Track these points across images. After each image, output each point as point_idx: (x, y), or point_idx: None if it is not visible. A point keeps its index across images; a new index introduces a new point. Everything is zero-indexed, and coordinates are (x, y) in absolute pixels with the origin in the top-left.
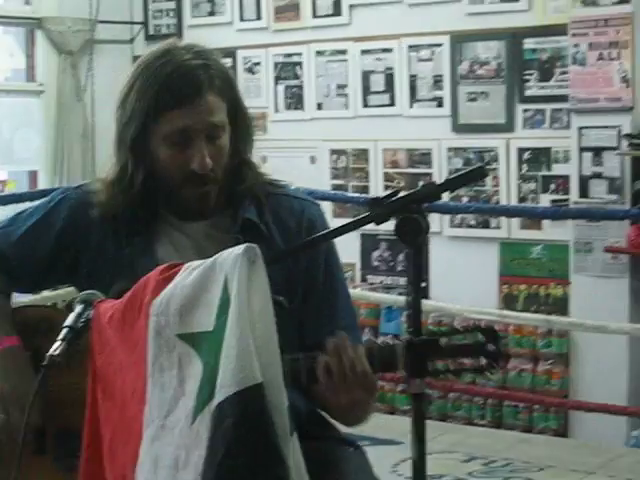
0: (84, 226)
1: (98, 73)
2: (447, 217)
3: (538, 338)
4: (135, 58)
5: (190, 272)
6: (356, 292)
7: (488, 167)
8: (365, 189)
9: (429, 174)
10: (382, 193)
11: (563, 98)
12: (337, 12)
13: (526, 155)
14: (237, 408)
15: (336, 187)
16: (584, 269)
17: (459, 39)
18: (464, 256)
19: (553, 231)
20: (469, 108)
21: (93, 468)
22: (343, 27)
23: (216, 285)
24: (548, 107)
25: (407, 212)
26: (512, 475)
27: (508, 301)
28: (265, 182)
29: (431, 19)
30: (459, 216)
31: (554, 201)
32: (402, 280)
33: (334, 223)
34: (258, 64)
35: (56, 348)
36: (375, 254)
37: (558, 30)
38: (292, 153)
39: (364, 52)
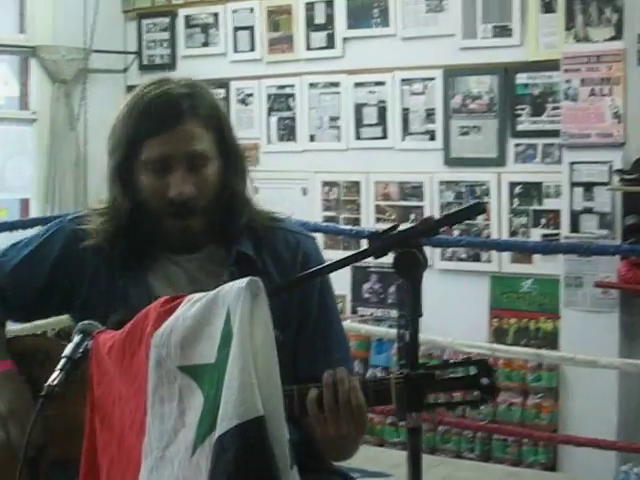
0: (78, 257)
1: (91, 102)
2: (438, 250)
3: (528, 372)
4: (129, 88)
5: (192, 304)
6: (346, 324)
7: (479, 201)
8: (356, 221)
9: (421, 207)
10: (373, 226)
11: (555, 133)
12: (331, 45)
13: (517, 189)
14: (238, 440)
15: (327, 219)
16: (574, 303)
17: (452, 73)
18: (455, 289)
19: (544, 265)
20: (461, 142)
21: None
22: (336, 60)
23: (218, 318)
24: (540, 142)
25: (405, 247)
26: None
27: (498, 335)
28: (264, 217)
29: (424, 53)
30: (450, 249)
31: (545, 235)
32: (393, 312)
33: (325, 255)
34: (251, 95)
35: (54, 378)
36: (366, 286)
37: (550, 65)
38: (284, 184)
39: (357, 85)
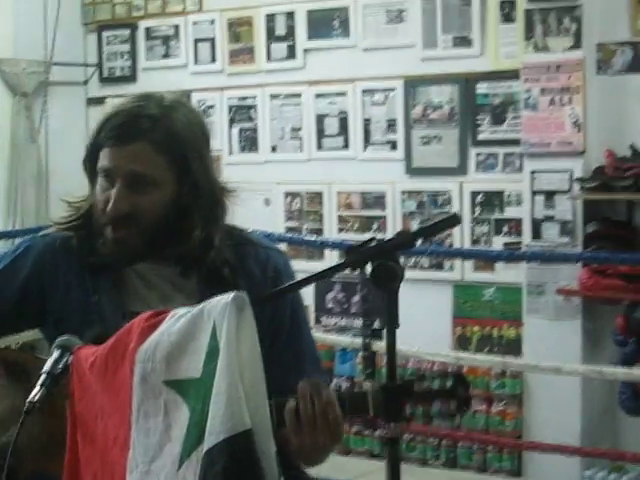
0: (50, 273)
1: (52, 115)
2: (400, 259)
3: (492, 379)
4: (89, 100)
5: (177, 319)
6: None
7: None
8: (319, 232)
9: (383, 217)
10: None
11: (515, 142)
12: (291, 56)
13: (479, 198)
14: (226, 454)
15: (290, 229)
16: (536, 311)
17: (412, 83)
18: (418, 298)
19: (506, 273)
20: (422, 151)
21: None
22: (297, 71)
23: (204, 333)
24: (501, 151)
25: (382, 259)
26: None
27: (462, 343)
28: (234, 234)
29: (385, 63)
30: (412, 258)
31: (507, 244)
32: (356, 322)
33: None
34: (212, 107)
35: (35, 394)
36: (329, 296)
37: (510, 75)
38: (246, 195)
39: (318, 96)
